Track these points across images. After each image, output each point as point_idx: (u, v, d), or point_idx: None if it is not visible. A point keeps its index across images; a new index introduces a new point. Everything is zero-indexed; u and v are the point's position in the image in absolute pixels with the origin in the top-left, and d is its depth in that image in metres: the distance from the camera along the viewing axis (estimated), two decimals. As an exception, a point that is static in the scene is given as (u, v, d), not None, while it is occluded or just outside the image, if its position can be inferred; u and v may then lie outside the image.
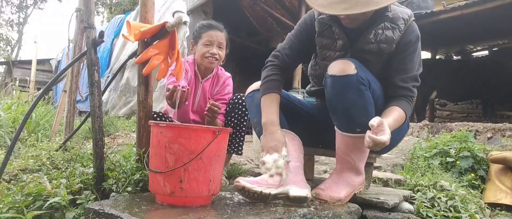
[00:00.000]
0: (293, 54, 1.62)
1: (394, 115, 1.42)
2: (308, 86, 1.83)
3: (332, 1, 1.26)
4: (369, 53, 1.48)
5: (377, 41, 1.46)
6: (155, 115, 1.80)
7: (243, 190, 1.31)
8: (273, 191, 1.34)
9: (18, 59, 15.73)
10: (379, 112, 1.44)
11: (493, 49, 7.61)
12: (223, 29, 2.10)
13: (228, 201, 1.35)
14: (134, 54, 1.74)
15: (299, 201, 1.34)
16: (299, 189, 1.36)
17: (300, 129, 1.75)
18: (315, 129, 1.76)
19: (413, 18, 1.52)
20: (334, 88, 1.41)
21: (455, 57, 8.09)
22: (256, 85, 1.65)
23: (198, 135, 1.21)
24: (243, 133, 2.05)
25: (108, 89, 5.83)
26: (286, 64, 1.61)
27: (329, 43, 1.54)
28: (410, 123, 4.94)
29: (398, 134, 1.54)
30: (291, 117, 1.67)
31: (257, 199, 1.32)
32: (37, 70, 8.38)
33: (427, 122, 4.89)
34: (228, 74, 2.19)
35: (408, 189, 1.88)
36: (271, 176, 1.36)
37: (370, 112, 1.40)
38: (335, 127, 1.49)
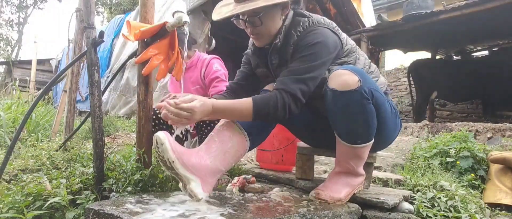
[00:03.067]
0: None
1: (234, 101, 1.35)
2: None
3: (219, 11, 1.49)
4: (280, 67, 1.52)
5: (277, 55, 1.53)
6: (154, 116, 1.80)
7: (158, 143, 1.25)
8: (180, 171, 1.26)
9: (18, 59, 15.69)
10: (381, 119, 1.43)
11: (493, 49, 7.60)
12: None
13: (228, 200, 1.35)
14: (134, 54, 1.74)
15: (191, 197, 1.28)
16: (200, 188, 1.29)
17: (300, 130, 1.74)
18: (314, 131, 1.75)
19: (326, 27, 1.47)
20: (335, 103, 1.36)
21: (455, 57, 8.08)
22: None
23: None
24: None
25: (108, 89, 5.84)
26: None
27: (264, 71, 1.65)
28: (410, 123, 4.96)
29: (384, 127, 1.51)
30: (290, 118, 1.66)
31: (161, 161, 1.28)
32: (37, 70, 8.40)
33: (427, 122, 4.89)
34: (211, 56, 2.21)
35: (408, 189, 1.88)
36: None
37: (371, 124, 1.39)
38: (336, 134, 1.48)
